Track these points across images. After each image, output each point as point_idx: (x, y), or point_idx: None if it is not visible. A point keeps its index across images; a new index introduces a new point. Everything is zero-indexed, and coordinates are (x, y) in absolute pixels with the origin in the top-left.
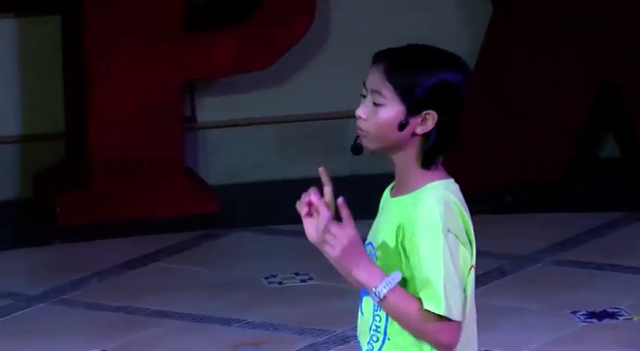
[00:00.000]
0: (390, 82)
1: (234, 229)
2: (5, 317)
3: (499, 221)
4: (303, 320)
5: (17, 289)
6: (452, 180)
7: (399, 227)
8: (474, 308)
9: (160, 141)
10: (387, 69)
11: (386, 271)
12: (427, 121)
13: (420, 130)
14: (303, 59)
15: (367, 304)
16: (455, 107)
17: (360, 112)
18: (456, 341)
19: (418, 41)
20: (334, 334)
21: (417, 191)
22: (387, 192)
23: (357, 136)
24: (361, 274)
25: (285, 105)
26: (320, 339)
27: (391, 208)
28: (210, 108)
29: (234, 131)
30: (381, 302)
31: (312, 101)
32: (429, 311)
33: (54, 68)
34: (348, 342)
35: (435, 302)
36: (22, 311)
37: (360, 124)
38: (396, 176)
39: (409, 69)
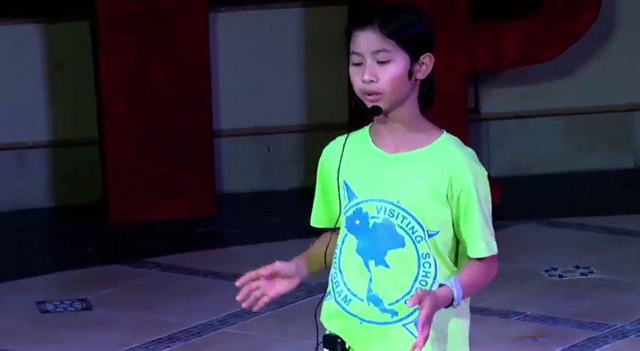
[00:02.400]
0: (391, 37)
1: (515, 221)
2: (284, 307)
3: None
4: (583, 314)
5: None
6: None
7: (446, 181)
8: None
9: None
10: (381, 27)
11: (427, 223)
12: (426, 64)
13: (421, 75)
14: (589, 51)
15: (399, 256)
16: (434, 45)
17: (367, 75)
18: None
19: None
20: (613, 328)
21: (434, 144)
22: (364, 148)
23: (356, 102)
24: (442, 304)
25: (571, 97)
26: (599, 333)
27: (402, 163)
28: (494, 99)
29: (518, 123)
30: (464, 293)
31: (598, 93)
32: (484, 257)
33: (339, 58)
34: (627, 336)
35: (489, 247)
36: (301, 301)
37: (372, 87)
38: (390, 132)
39: (401, 21)
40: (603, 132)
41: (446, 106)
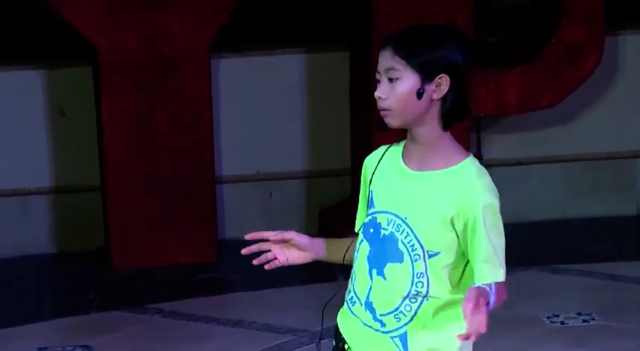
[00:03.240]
0: (401, 56)
1: (517, 268)
2: None
3: None
4: None
5: (300, 326)
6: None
7: (454, 204)
8: None
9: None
10: (395, 46)
11: (428, 243)
12: (441, 86)
13: (436, 96)
14: (591, 97)
15: (395, 270)
16: (461, 69)
17: (378, 92)
18: None
19: None
20: None
21: (455, 167)
22: (395, 161)
23: (378, 117)
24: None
25: (573, 143)
26: None
27: (420, 181)
28: (496, 145)
29: (520, 169)
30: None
31: (600, 140)
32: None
33: (342, 104)
34: None
35: (496, 273)
36: (304, 347)
37: (382, 103)
38: (415, 150)
39: (415, 41)
40: (605, 179)
41: None
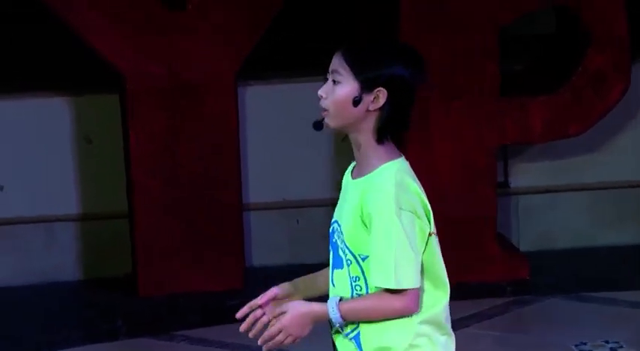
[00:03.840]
0: (347, 63)
1: (545, 296)
2: None
3: None
4: None
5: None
6: (403, 157)
7: (360, 208)
8: (443, 265)
9: (473, 204)
10: (345, 52)
11: (354, 247)
12: (379, 99)
13: (372, 107)
14: (618, 125)
15: (340, 276)
16: (404, 88)
17: (320, 91)
18: (415, 306)
19: None
20: None
21: (372, 173)
22: (348, 173)
23: (323, 118)
24: (317, 317)
25: (600, 171)
26: None
27: (352, 189)
28: (523, 173)
29: (548, 197)
30: (345, 316)
31: (627, 168)
32: (385, 288)
33: None
34: None
35: (386, 278)
36: None
37: (322, 102)
38: (356, 158)
39: (364, 51)
40: (632, 207)
41: (475, 180)
